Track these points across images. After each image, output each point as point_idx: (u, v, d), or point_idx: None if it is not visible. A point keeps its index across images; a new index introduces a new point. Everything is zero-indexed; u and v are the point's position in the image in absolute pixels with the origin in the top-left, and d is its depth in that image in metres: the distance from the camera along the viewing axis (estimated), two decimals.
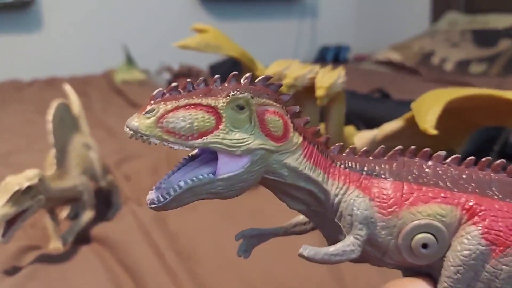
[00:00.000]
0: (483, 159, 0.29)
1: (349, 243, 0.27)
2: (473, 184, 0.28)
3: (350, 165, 0.29)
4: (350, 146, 0.30)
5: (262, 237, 0.32)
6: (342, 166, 0.29)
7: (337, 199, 0.28)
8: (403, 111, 0.64)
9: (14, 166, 0.80)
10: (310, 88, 0.64)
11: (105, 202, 0.71)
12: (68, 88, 0.76)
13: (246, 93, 0.25)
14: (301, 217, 0.32)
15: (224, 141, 0.25)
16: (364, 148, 0.30)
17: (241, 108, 0.25)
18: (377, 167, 0.29)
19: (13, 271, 0.53)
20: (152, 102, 0.25)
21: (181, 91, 0.25)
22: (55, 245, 0.58)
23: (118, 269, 0.53)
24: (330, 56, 2.29)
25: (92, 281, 0.51)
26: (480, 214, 0.27)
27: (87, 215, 0.61)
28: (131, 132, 0.24)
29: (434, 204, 0.27)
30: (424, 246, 0.27)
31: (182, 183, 0.25)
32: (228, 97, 0.25)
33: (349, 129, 0.73)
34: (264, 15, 2.38)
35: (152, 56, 1.91)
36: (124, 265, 0.53)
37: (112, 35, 2.02)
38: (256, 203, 0.63)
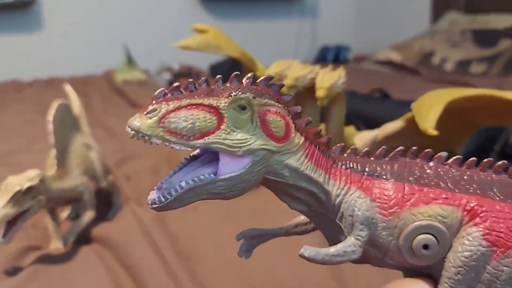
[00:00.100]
0: (485, 160, 0.29)
1: (350, 244, 0.27)
2: (474, 185, 0.28)
3: (351, 165, 0.29)
4: (352, 147, 0.30)
5: (263, 238, 0.32)
6: (343, 166, 0.29)
7: (338, 199, 0.28)
8: (403, 111, 0.64)
9: (14, 166, 0.80)
10: (310, 89, 0.64)
11: (106, 202, 0.71)
12: (68, 88, 0.76)
13: (248, 93, 0.25)
14: (302, 218, 0.32)
15: (226, 141, 0.25)
16: (366, 149, 0.30)
17: (243, 108, 0.25)
18: (378, 168, 0.29)
19: (13, 271, 0.53)
20: (154, 102, 0.25)
21: (183, 91, 0.25)
22: (56, 246, 0.58)
23: (118, 269, 0.53)
24: (330, 56, 2.29)
25: (92, 281, 0.51)
26: (481, 215, 0.27)
27: (88, 215, 0.61)
28: (133, 132, 0.24)
29: (435, 205, 0.27)
30: (425, 247, 0.27)
31: (183, 183, 0.25)
32: (230, 97, 0.25)
33: (350, 130, 0.73)
34: (264, 15, 2.38)
35: (153, 56, 1.91)
36: (124, 265, 0.53)
37: (112, 35, 2.02)
38: (257, 203, 0.63)
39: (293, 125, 0.27)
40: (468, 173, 0.28)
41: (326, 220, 0.29)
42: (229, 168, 0.25)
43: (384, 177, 0.28)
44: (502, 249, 0.26)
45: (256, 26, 2.33)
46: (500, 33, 1.67)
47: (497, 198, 0.28)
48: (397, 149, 0.29)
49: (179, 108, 0.25)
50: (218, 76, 0.26)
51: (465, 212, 0.27)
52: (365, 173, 0.28)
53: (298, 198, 0.28)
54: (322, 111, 0.69)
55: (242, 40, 0.79)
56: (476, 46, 1.69)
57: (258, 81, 0.27)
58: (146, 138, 0.24)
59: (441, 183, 0.28)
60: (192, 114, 0.25)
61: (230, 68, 1.69)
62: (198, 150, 0.26)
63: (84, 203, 0.61)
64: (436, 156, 0.29)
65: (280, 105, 0.27)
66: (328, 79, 0.63)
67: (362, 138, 0.69)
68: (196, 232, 0.59)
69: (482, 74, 1.58)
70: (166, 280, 0.50)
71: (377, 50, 2.10)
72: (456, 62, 1.69)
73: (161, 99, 0.25)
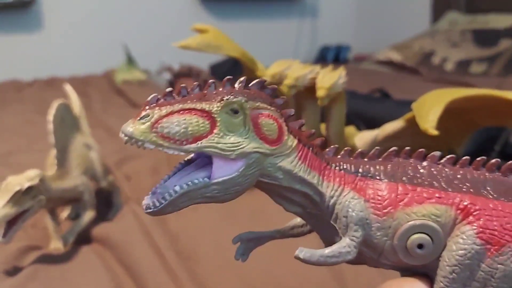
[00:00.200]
0: (478, 159, 0.29)
1: (344, 245, 0.27)
2: (467, 184, 0.28)
3: (345, 167, 0.29)
4: (345, 148, 0.30)
5: (259, 241, 0.32)
6: (337, 168, 0.29)
7: (332, 201, 0.28)
8: (403, 111, 0.64)
9: (14, 166, 0.80)
10: (311, 89, 0.64)
11: (106, 202, 0.71)
12: (68, 88, 0.76)
13: (240, 97, 0.26)
14: (299, 220, 0.32)
15: (219, 145, 0.25)
16: (359, 150, 0.30)
17: (235, 112, 0.26)
18: (372, 169, 0.29)
19: (13, 271, 0.53)
20: (147, 107, 0.25)
21: (176, 96, 0.26)
22: (56, 246, 0.58)
23: (118, 269, 0.53)
24: (330, 56, 2.29)
25: (92, 281, 0.51)
26: (474, 213, 0.27)
27: (88, 215, 0.61)
28: (126, 137, 0.25)
29: (429, 205, 0.27)
30: (420, 246, 0.27)
31: (177, 188, 0.25)
32: (222, 102, 0.25)
33: (350, 130, 0.73)
34: (265, 15, 2.38)
35: (153, 56, 1.91)
36: (124, 265, 0.53)
37: (113, 35, 2.02)
38: (257, 203, 0.63)
39: (286, 127, 0.27)
40: (461, 172, 0.29)
41: (321, 221, 0.29)
42: (222, 171, 0.26)
43: (377, 177, 0.28)
44: (496, 247, 0.26)
45: (256, 26, 2.33)
46: (500, 33, 1.67)
47: (491, 196, 0.28)
48: (390, 150, 0.29)
49: (171, 113, 0.25)
50: (210, 81, 0.26)
51: (459, 211, 0.27)
52: (359, 174, 0.29)
53: (292, 200, 0.28)
54: (323, 111, 0.69)
55: (242, 40, 0.79)
56: (476, 46, 1.69)
57: (250, 85, 0.27)
58: (139, 143, 0.25)
59: (434, 182, 0.28)
60: (184, 119, 0.25)
61: (230, 68, 1.69)
62: (192, 155, 0.27)
63: (84, 203, 0.61)
64: (429, 155, 0.29)
65: (272, 108, 0.27)
66: (329, 79, 0.62)
67: (362, 138, 0.69)
68: (196, 232, 0.59)
69: (482, 74, 1.58)
70: (166, 280, 0.50)
71: (377, 50, 2.10)
72: (456, 62, 1.68)
73: (154, 104, 0.25)
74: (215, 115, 0.25)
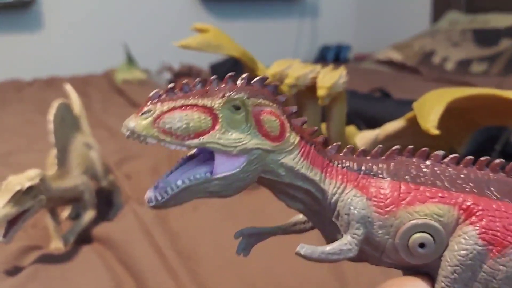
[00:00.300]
0: (482, 159, 0.29)
1: (346, 242, 0.27)
2: (471, 184, 0.28)
3: (347, 164, 0.29)
4: (348, 146, 0.30)
5: (261, 236, 0.32)
6: (339, 165, 0.29)
7: (334, 198, 0.28)
8: (403, 111, 0.64)
9: (15, 166, 0.80)
10: (311, 88, 0.64)
11: (106, 202, 0.70)
12: (68, 88, 0.76)
13: (242, 93, 0.26)
14: (301, 216, 0.32)
15: (220, 141, 0.25)
16: (362, 148, 0.30)
17: (237, 108, 0.26)
18: (374, 167, 0.29)
19: (14, 271, 0.53)
20: (149, 103, 0.25)
21: (178, 92, 0.26)
22: (56, 245, 0.58)
23: (119, 268, 0.53)
24: (330, 55, 2.29)
25: (93, 280, 0.51)
26: (477, 214, 0.27)
27: (88, 215, 0.61)
28: (128, 132, 0.25)
29: (432, 204, 0.27)
30: (421, 245, 0.27)
31: (179, 182, 0.25)
32: (224, 98, 0.26)
33: (351, 129, 0.73)
34: (265, 14, 2.38)
35: (153, 55, 1.91)
36: (125, 264, 0.53)
37: (113, 34, 2.02)
38: (257, 203, 0.63)
39: (288, 124, 0.27)
40: (465, 171, 0.28)
41: (323, 218, 0.29)
42: (224, 167, 0.26)
43: (380, 176, 0.28)
44: (499, 248, 0.26)
45: (257, 26, 2.33)
46: (501, 32, 1.67)
47: (494, 197, 0.28)
48: (393, 148, 0.29)
49: (173, 109, 0.25)
50: (212, 77, 0.26)
51: (462, 211, 0.27)
52: (362, 172, 0.29)
53: (294, 196, 0.28)
54: (323, 111, 0.69)
55: (242, 40, 0.79)
56: (476, 46, 1.69)
57: (253, 81, 0.27)
58: (141, 138, 0.25)
59: (437, 181, 0.28)
60: (186, 115, 0.25)
61: (231, 68, 1.69)
62: (195, 150, 0.27)
63: (85, 202, 0.61)
64: (433, 154, 0.29)
65: (274, 105, 0.27)
66: (329, 78, 0.62)
67: (363, 138, 0.69)
68: (196, 232, 0.59)
69: (482, 73, 1.58)
70: (167, 279, 0.50)
71: (377, 50, 2.10)
72: (457, 62, 1.68)
73: (156, 100, 0.25)
74: (217, 111, 0.25)
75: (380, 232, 0.27)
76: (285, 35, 2.41)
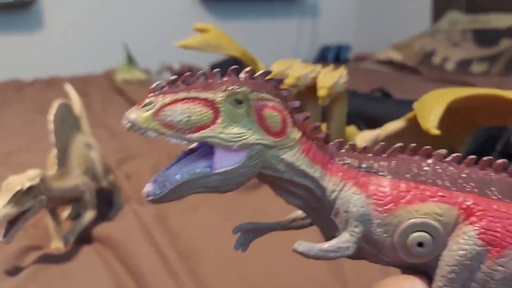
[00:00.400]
0: (484, 158, 0.29)
1: (344, 240, 0.27)
2: (472, 184, 0.28)
3: (348, 161, 0.29)
4: (350, 143, 0.30)
5: (259, 232, 0.32)
6: (340, 162, 0.29)
7: (333, 195, 0.28)
8: (404, 111, 0.64)
9: (15, 166, 0.80)
10: (312, 88, 0.64)
11: (107, 202, 0.70)
12: (69, 88, 0.76)
13: (244, 87, 0.25)
14: (300, 212, 0.32)
15: (221, 135, 0.25)
16: (364, 145, 0.29)
17: (239, 102, 0.25)
18: (375, 164, 0.29)
19: (14, 271, 0.53)
20: (151, 95, 0.25)
21: (180, 84, 0.25)
22: (57, 245, 0.58)
23: (119, 268, 0.53)
24: (331, 55, 2.29)
25: (93, 281, 0.51)
26: (477, 214, 0.26)
27: (89, 215, 0.61)
28: (129, 124, 0.24)
29: (431, 203, 0.27)
30: (420, 244, 0.27)
31: (178, 176, 0.25)
32: (226, 91, 0.25)
33: (351, 129, 0.73)
34: (265, 14, 2.38)
35: (153, 55, 1.91)
36: (125, 264, 0.53)
37: (113, 34, 2.02)
38: (257, 203, 0.63)
39: (290, 120, 0.27)
40: (466, 171, 0.28)
41: (322, 215, 0.29)
42: (224, 162, 0.25)
43: (381, 173, 0.28)
44: (498, 249, 0.26)
45: (257, 26, 2.33)
46: (501, 32, 1.67)
47: (495, 197, 0.27)
48: (395, 146, 0.29)
49: (175, 101, 0.25)
50: (215, 69, 0.26)
51: (461, 211, 0.27)
52: (362, 169, 0.28)
53: (294, 193, 0.28)
54: (324, 111, 0.69)
55: (242, 40, 0.79)
56: (476, 46, 1.69)
57: (256, 75, 0.26)
58: (142, 131, 0.24)
59: (438, 181, 0.28)
60: (188, 108, 0.25)
61: None
62: (195, 144, 0.26)
63: (85, 202, 0.61)
64: (435, 153, 0.29)
65: (277, 100, 0.27)
66: (330, 78, 0.62)
67: (363, 138, 0.69)
68: (197, 231, 0.59)
69: (483, 73, 1.58)
70: (167, 279, 0.50)
71: (377, 50, 2.10)
72: (457, 62, 1.68)
73: (158, 92, 0.25)
74: (219, 105, 0.25)
75: (378, 230, 0.27)
76: (285, 35, 2.41)
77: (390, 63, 1.88)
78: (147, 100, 0.25)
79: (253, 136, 0.26)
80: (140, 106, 0.25)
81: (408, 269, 0.28)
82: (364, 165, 0.28)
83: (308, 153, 0.28)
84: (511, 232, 0.26)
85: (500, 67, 1.56)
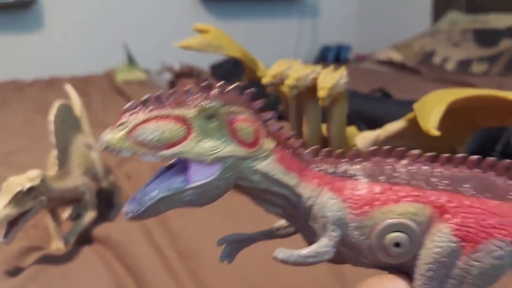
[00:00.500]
0: (458, 156, 0.29)
1: (322, 245, 0.27)
2: (445, 181, 0.28)
3: (324, 167, 0.29)
4: (325, 149, 0.30)
5: (245, 242, 0.32)
6: (316, 169, 0.29)
7: (310, 201, 0.28)
8: (404, 111, 0.64)
9: (15, 166, 0.80)
10: (312, 89, 0.64)
11: (107, 203, 0.70)
12: (69, 88, 0.76)
13: (214, 102, 0.26)
14: (283, 221, 0.32)
15: (194, 150, 0.26)
16: (340, 150, 0.30)
17: (210, 117, 0.26)
18: (350, 168, 0.29)
19: (15, 272, 0.53)
20: (124, 115, 0.26)
21: (152, 103, 0.26)
22: (57, 246, 0.58)
23: (120, 269, 0.53)
24: (331, 55, 2.29)
25: (94, 281, 0.51)
26: (450, 211, 0.27)
27: (89, 215, 0.61)
28: (103, 146, 0.25)
29: (405, 203, 0.27)
30: (397, 245, 0.27)
31: (155, 193, 0.26)
32: (197, 107, 0.26)
33: (351, 130, 0.73)
34: (265, 14, 2.38)
35: (153, 56, 1.91)
36: (125, 265, 0.53)
37: (113, 35, 2.02)
38: None
39: (263, 131, 0.28)
40: (440, 169, 0.29)
41: (302, 222, 0.29)
42: (199, 176, 0.26)
43: (356, 177, 0.29)
44: (472, 244, 0.26)
45: (257, 26, 2.33)
46: (501, 32, 1.67)
47: (468, 193, 0.28)
48: (370, 149, 0.30)
49: (147, 120, 0.25)
50: (187, 87, 0.27)
51: (435, 209, 0.27)
52: (338, 175, 0.29)
53: (272, 202, 0.29)
54: (324, 111, 0.69)
55: (242, 40, 0.79)
56: (477, 46, 1.69)
57: (228, 89, 0.27)
58: (116, 151, 0.25)
59: (412, 181, 0.28)
60: (160, 126, 0.25)
61: (231, 68, 1.69)
62: (174, 159, 0.27)
63: (85, 203, 0.61)
64: (408, 153, 0.29)
65: (249, 112, 0.27)
66: (330, 79, 0.62)
67: (363, 138, 0.69)
68: (197, 232, 0.59)
69: (483, 73, 1.58)
70: (167, 279, 0.50)
71: (377, 50, 2.09)
72: (457, 62, 1.68)
73: (131, 112, 0.26)
74: (191, 121, 0.26)
75: (355, 233, 0.28)
76: (285, 35, 2.40)
77: (390, 63, 1.88)
78: (120, 121, 0.26)
79: (226, 149, 0.26)
80: (114, 127, 0.25)
81: (389, 270, 0.29)
82: (339, 170, 0.29)
83: (283, 162, 0.28)
84: (484, 227, 0.27)
85: (500, 67, 1.56)
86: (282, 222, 0.32)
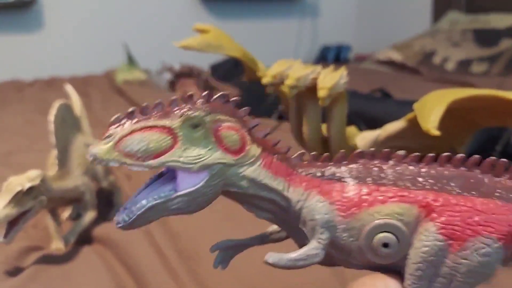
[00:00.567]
0: (443, 155, 0.29)
1: (312, 247, 0.28)
2: (431, 181, 0.29)
3: (312, 171, 0.30)
4: (312, 153, 0.31)
5: (238, 248, 0.33)
6: (304, 173, 0.30)
7: (299, 205, 0.29)
8: (404, 111, 0.64)
9: (15, 166, 0.80)
10: (312, 89, 0.64)
11: (107, 203, 0.70)
12: (69, 88, 0.76)
13: (199, 111, 0.27)
14: (276, 226, 0.33)
15: (181, 159, 0.26)
16: (326, 154, 0.30)
17: (195, 126, 0.27)
18: (337, 171, 0.30)
19: (15, 272, 0.53)
20: (111, 128, 0.27)
21: (138, 115, 0.27)
22: (57, 246, 0.58)
23: (120, 269, 0.53)
24: (331, 56, 2.29)
25: (94, 281, 0.51)
26: (437, 210, 0.27)
27: (89, 215, 0.61)
28: (92, 158, 0.26)
29: (392, 204, 0.28)
30: (385, 245, 0.27)
31: (144, 202, 0.26)
32: (182, 117, 0.26)
33: (351, 130, 0.73)
34: (265, 14, 2.38)
35: (153, 56, 1.91)
36: (125, 265, 0.53)
37: (113, 35, 2.02)
38: None
39: (248, 137, 0.28)
40: (425, 169, 0.29)
41: (291, 226, 0.30)
42: (186, 183, 0.26)
43: (343, 180, 0.29)
44: (459, 242, 0.27)
45: (257, 26, 2.33)
46: (501, 32, 1.67)
47: (454, 192, 0.28)
48: (356, 151, 0.30)
49: (133, 131, 0.26)
50: (172, 98, 0.27)
51: (421, 208, 0.27)
52: (325, 178, 0.29)
53: (261, 207, 0.29)
54: (324, 111, 0.69)
55: (242, 40, 0.79)
56: (477, 46, 1.69)
57: (213, 98, 0.28)
58: (104, 162, 0.26)
59: (398, 181, 0.29)
60: (146, 136, 0.26)
61: (231, 68, 1.69)
62: (164, 168, 0.27)
63: (85, 203, 0.61)
64: (394, 155, 0.30)
65: (234, 119, 0.28)
66: (330, 79, 0.62)
67: (364, 139, 0.69)
68: (197, 231, 0.59)
69: (483, 73, 1.58)
70: (167, 279, 0.50)
71: (377, 50, 2.09)
72: (457, 62, 1.68)
73: (118, 124, 0.27)
74: (177, 131, 0.26)
75: (344, 235, 0.28)
76: (285, 35, 2.40)
77: (390, 63, 1.88)
78: (107, 133, 0.26)
79: (212, 157, 0.27)
80: (102, 140, 0.26)
81: (380, 270, 0.29)
82: (327, 173, 0.29)
83: (270, 167, 0.29)
84: (471, 225, 0.27)
85: (500, 67, 1.56)
86: (275, 227, 0.33)
